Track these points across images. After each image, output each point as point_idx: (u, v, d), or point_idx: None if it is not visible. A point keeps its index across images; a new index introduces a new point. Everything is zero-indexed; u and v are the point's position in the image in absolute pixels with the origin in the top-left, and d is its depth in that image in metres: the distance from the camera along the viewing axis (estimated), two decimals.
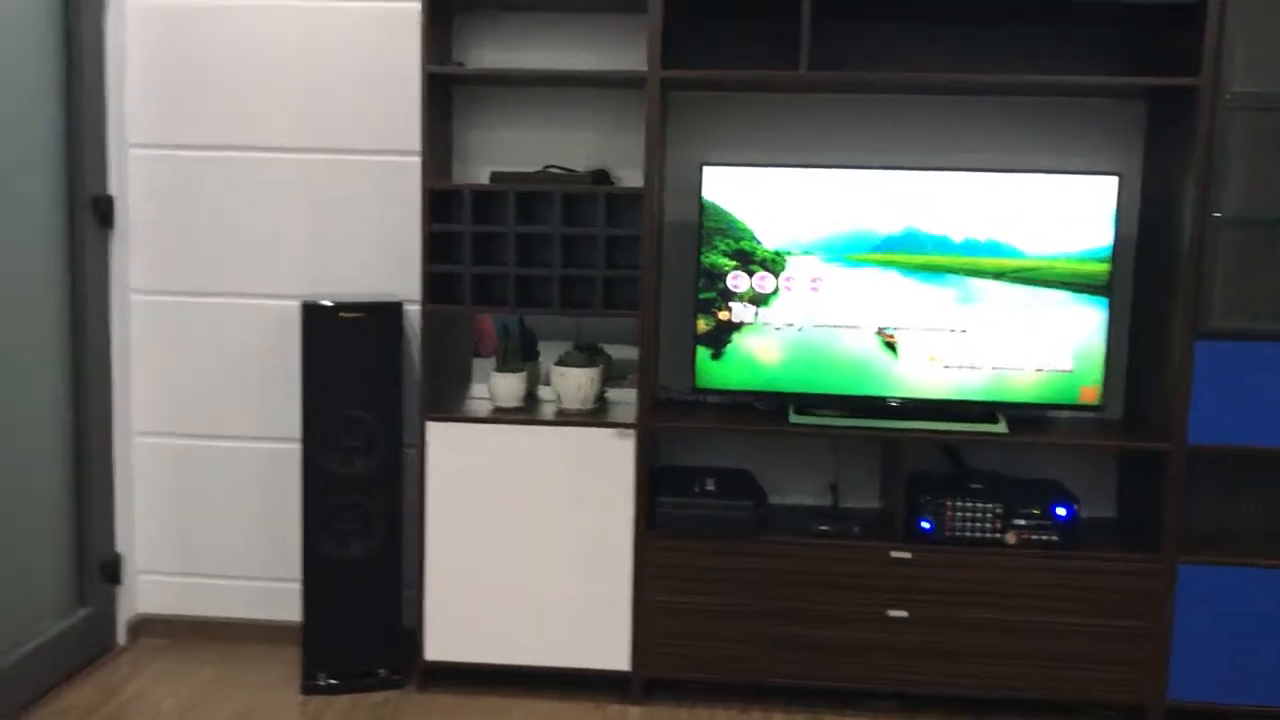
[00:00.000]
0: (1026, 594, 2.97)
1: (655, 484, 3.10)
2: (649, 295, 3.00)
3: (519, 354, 3.21)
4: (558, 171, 3.17)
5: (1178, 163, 2.95)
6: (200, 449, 3.42)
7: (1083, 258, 3.01)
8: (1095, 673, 2.98)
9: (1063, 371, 3.06)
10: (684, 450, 3.36)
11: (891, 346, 3.10)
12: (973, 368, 3.08)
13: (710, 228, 3.10)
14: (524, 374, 3.18)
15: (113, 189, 3.29)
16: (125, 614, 3.42)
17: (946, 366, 3.08)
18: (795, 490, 3.34)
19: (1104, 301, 3.03)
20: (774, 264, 3.10)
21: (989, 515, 3.00)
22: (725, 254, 3.10)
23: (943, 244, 3.06)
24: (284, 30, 3.26)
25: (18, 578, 3.00)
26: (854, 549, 3.02)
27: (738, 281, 3.11)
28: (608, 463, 3.04)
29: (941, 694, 3.04)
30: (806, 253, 3.09)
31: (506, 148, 3.28)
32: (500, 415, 3.10)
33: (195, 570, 3.46)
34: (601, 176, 3.17)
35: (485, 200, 3.05)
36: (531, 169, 3.22)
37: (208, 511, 3.44)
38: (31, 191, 3.00)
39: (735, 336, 3.12)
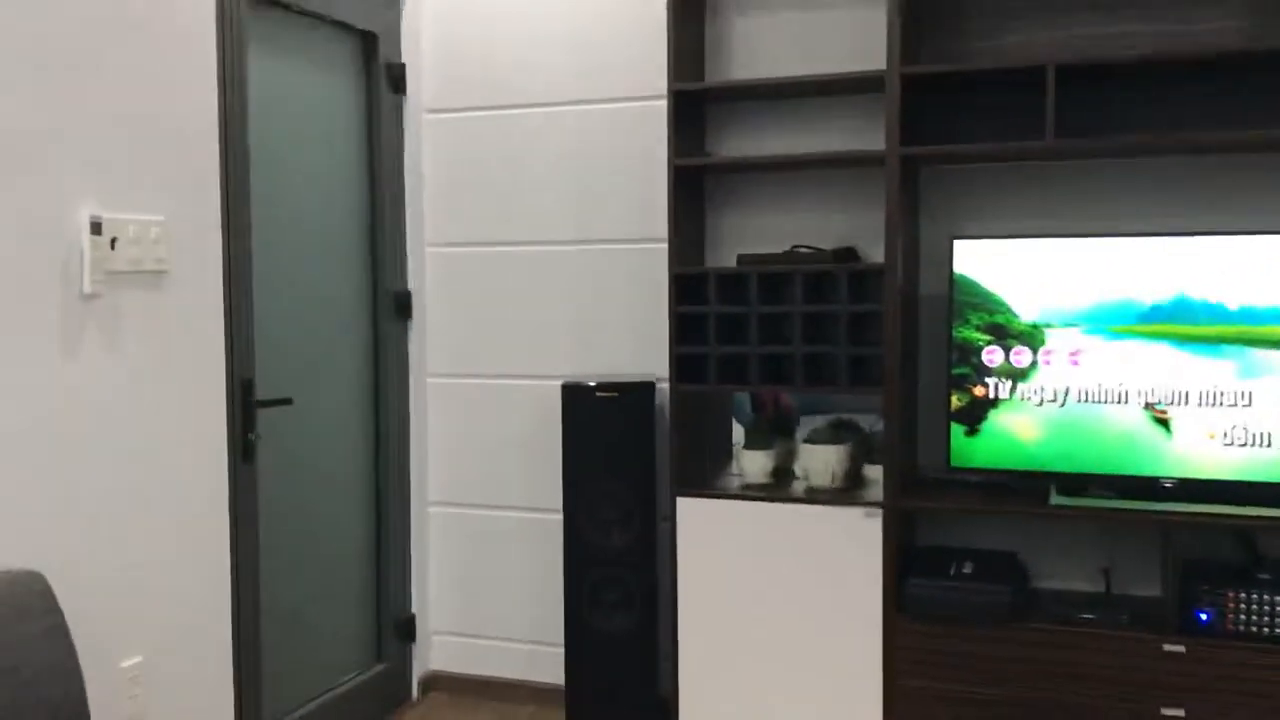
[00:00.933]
0: None
1: (908, 565, 3.04)
2: (892, 371, 2.97)
3: (767, 430, 3.26)
4: (805, 251, 3.22)
5: None
6: (480, 518, 3.70)
7: None
8: None
9: None
10: (943, 531, 3.26)
11: (1163, 423, 2.89)
12: (1260, 445, 2.81)
13: (962, 301, 3.03)
14: (772, 450, 3.22)
15: (411, 284, 3.67)
16: (418, 670, 3.74)
17: (1228, 444, 2.83)
18: (1062, 575, 3.15)
19: None
20: (1031, 337, 2.98)
21: (1279, 609, 2.71)
22: (979, 328, 3.03)
23: (1217, 312, 2.83)
24: (553, 132, 3.54)
25: (327, 633, 3.36)
26: (1120, 640, 2.82)
27: (993, 356, 3.02)
28: (857, 542, 3.01)
29: None
30: (1066, 325, 2.95)
31: (756, 229, 3.38)
32: (747, 492, 3.15)
33: (477, 631, 3.73)
34: (848, 254, 3.19)
35: (730, 282, 3.15)
36: (781, 249, 3.29)
37: (486, 577, 3.71)
38: (342, 289, 3.41)
39: (991, 413, 3.02)
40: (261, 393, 3.01)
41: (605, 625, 3.24)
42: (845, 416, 3.33)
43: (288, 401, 3.09)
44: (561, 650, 3.46)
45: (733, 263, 3.35)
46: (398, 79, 3.60)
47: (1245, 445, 2.82)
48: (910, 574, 3.00)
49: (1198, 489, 2.86)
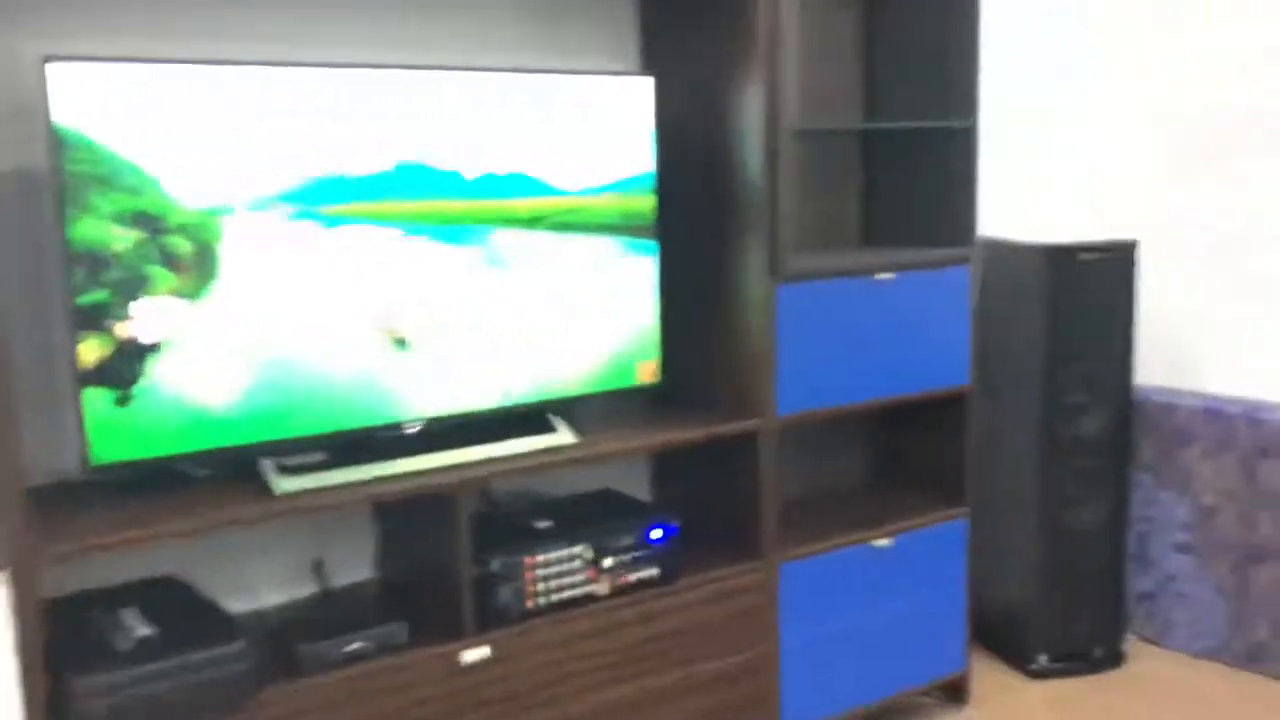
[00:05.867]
0: (638, 654, 2.16)
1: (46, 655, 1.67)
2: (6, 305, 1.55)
3: None
4: None
5: (716, 65, 2.28)
6: None
7: (625, 189, 2.22)
8: None
9: (618, 348, 2.26)
10: (71, 566, 1.91)
11: (402, 343, 2.03)
12: (512, 360, 2.14)
13: (81, 176, 1.71)
14: None
15: None
16: None
17: (479, 362, 2.10)
18: (257, 584, 2.11)
19: (653, 247, 2.28)
20: (203, 231, 1.82)
21: (580, 562, 2.11)
22: (116, 220, 1.75)
23: (452, 183, 2.05)
24: None
25: None
26: (409, 666, 1.93)
27: (145, 267, 1.77)
28: None
29: None
30: (258, 208, 1.86)
31: None
32: None
33: None
34: None
35: None
36: None
37: None
38: None
39: (151, 362, 1.79)
40: None
41: None
42: None
43: None
44: None
45: None
46: None
47: (497, 361, 2.12)
48: (64, 672, 1.65)
49: (455, 428, 2.08)
